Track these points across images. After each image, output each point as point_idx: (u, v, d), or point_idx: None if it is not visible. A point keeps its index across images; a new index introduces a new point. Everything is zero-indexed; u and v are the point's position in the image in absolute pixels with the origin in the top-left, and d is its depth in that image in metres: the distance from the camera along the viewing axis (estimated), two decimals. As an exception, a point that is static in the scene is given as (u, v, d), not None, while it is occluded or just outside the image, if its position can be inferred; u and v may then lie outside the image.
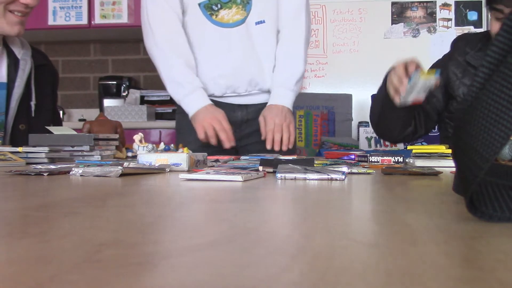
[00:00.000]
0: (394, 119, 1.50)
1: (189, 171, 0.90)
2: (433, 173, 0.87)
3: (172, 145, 1.35)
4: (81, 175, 0.80)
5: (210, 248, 0.30)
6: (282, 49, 1.65)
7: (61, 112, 3.65)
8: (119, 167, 0.81)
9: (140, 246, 0.30)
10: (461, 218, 0.40)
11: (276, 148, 1.56)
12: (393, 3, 3.39)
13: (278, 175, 0.76)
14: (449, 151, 1.13)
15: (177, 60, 1.60)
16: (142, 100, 3.39)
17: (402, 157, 1.15)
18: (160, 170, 0.89)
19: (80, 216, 0.42)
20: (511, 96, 0.32)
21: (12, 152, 1.12)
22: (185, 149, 1.16)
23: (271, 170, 0.88)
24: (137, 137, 1.31)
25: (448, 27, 3.23)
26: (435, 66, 1.59)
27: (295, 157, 1.25)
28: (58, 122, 1.67)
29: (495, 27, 1.45)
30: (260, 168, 0.88)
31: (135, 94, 3.39)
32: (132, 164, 0.92)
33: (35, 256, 0.27)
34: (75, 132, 1.30)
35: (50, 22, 3.36)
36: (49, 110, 1.59)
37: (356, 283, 0.22)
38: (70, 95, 3.80)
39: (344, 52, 3.32)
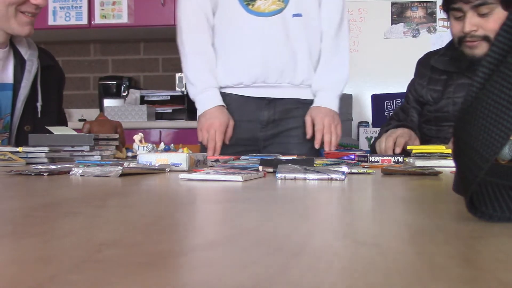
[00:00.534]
0: None
1: (189, 171, 0.90)
2: (433, 173, 0.87)
3: (172, 145, 1.36)
4: (81, 175, 0.80)
5: (210, 248, 0.30)
6: (327, 59, 1.65)
7: (61, 112, 3.65)
8: (119, 167, 0.81)
9: (140, 246, 0.30)
10: (461, 218, 0.40)
11: (326, 148, 1.59)
12: (393, 3, 3.39)
13: (278, 175, 0.76)
14: (449, 151, 1.13)
15: (195, 58, 1.63)
16: (142, 100, 3.39)
17: (402, 157, 1.15)
18: (160, 170, 0.89)
19: (80, 216, 0.42)
20: (511, 96, 0.32)
21: (12, 152, 1.12)
22: (185, 149, 1.16)
23: (271, 170, 0.88)
24: (137, 137, 1.31)
25: (448, 27, 3.23)
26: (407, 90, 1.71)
27: (295, 157, 1.25)
28: (64, 123, 1.67)
29: (457, 28, 1.48)
30: (260, 168, 0.88)
31: (135, 94, 3.39)
32: (132, 164, 0.92)
33: (35, 256, 0.27)
34: (75, 132, 1.30)
35: (50, 22, 3.36)
36: (55, 112, 1.59)
37: (356, 283, 0.22)
38: (70, 95, 3.80)
39: (344, 52, 3.32)
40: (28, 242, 0.30)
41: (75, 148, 1.22)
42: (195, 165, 0.96)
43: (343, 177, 0.74)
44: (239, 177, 0.71)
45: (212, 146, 1.60)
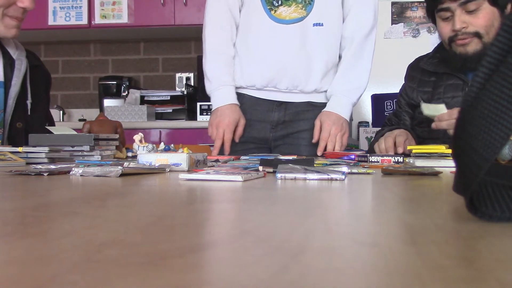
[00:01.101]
0: None
1: (189, 171, 0.90)
2: (433, 173, 0.87)
3: (172, 145, 1.35)
4: (81, 175, 0.80)
5: (210, 248, 0.30)
6: (350, 62, 1.65)
7: (61, 112, 3.65)
8: (119, 167, 0.81)
9: (140, 246, 0.30)
10: (461, 218, 0.40)
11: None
12: (393, 3, 3.39)
13: (278, 175, 0.76)
14: (449, 151, 1.13)
15: (214, 56, 1.65)
16: (142, 100, 3.39)
17: (402, 157, 1.15)
18: (160, 170, 0.89)
19: (80, 216, 0.42)
20: (511, 96, 0.32)
21: (12, 152, 1.12)
22: (185, 149, 1.16)
23: (271, 170, 0.88)
24: (137, 137, 1.31)
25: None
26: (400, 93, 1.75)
27: (295, 157, 1.25)
28: (51, 123, 1.69)
29: (446, 28, 1.49)
30: (260, 168, 0.88)
31: (135, 94, 3.39)
32: (132, 164, 0.92)
33: (35, 256, 0.27)
34: (75, 132, 1.30)
35: (50, 22, 3.36)
36: (44, 110, 1.62)
37: (356, 283, 0.22)
38: (70, 95, 3.80)
39: (344, 52, 3.32)
40: (28, 242, 0.30)
41: (75, 148, 1.22)
42: (195, 165, 0.96)
43: (343, 177, 0.74)
44: (239, 177, 0.71)
45: (218, 146, 1.61)
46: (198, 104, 3.27)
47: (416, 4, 3.34)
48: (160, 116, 3.39)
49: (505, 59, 0.33)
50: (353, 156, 1.21)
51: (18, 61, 1.50)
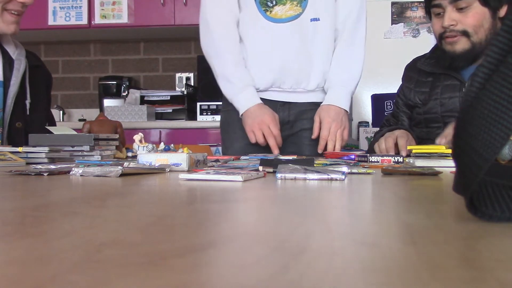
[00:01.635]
0: None
1: (189, 171, 0.90)
2: (433, 173, 0.87)
3: (172, 145, 1.35)
4: (81, 175, 0.80)
5: (210, 248, 0.30)
6: (343, 50, 1.64)
7: (61, 112, 3.65)
8: (119, 167, 0.81)
9: (140, 246, 0.30)
10: (461, 218, 0.40)
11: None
12: (393, 3, 3.39)
13: (278, 175, 0.76)
14: (449, 151, 1.13)
15: (230, 57, 1.63)
16: (142, 100, 3.39)
17: (402, 157, 1.15)
18: (160, 170, 0.89)
19: (80, 216, 0.42)
20: (511, 96, 0.32)
21: (12, 152, 1.12)
22: (185, 149, 1.16)
23: (271, 170, 0.88)
24: (137, 137, 1.31)
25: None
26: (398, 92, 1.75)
27: (295, 157, 1.25)
28: (52, 123, 1.69)
29: (437, 25, 1.52)
30: (260, 168, 0.88)
31: (135, 94, 3.39)
32: (132, 164, 0.92)
33: (35, 256, 0.27)
34: (75, 132, 1.30)
35: (50, 22, 3.36)
36: (44, 110, 1.62)
37: (356, 283, 0.22)
38: (70, 95, 3.80)
39: (344, 52, 3.32)
40: (28, 242, 0.30)
41: (75, 148, 1.22)
42: (195, 165, 0.96)
43: (343, 177, 0.74)
44: (239, 177, 0.71)
45: (274, 143, 1.57)
46: (198, 104, 3.27)
47: (416, 4, 3.34)
48: (160, 116, 3.39)
49: (505, 59, 0.33)
50: (353, 156, 1.21)
51: (17, 61, 1.50)
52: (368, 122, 3.25)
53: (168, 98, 3.39)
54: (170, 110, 3.37)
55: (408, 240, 0.32)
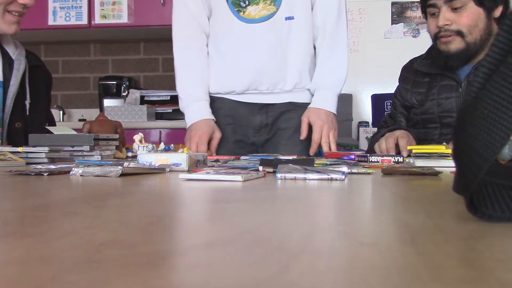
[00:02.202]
0: None
1: (189, 171, 0.90)
2: (433, 173, 0.87)
3: (172, 145, 1.35)
4: (81, 175, 0.80)
5: (210, 248, 0.30)
6: (326, 52, 1.62)
7: (61, 112, 3.65)
8: (119, 167, 0.81)
9: (140, 246, 0.30)
10: (461, 218, 0.40)
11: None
12: (393, 3, 3.39)
13: (278, 175, 0.76)
14: (449, 151, 1.13)
15: (183, 71, 1.64)
16: (142, 100, 3.39)
17: (402, 157, 1.15)
18: (160, 170, 0.89)
19: (80, 216, 0.42)
20: (511, 96, 0.32)
21: (12, 152, 1.12)
22: (185, 149, 1.16)
23: (271, 170, 0.88)
24: (137, 137, 1.31)
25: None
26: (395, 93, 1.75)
27: (295, 157, 1.25)
28: (52, 123, 1.69)
29: (433, 24, 1.53)
30: (260, 168, 0.88)
31: (135, 94, 3.39)
32: (132, 164, 0.92)
33: (35, 256, 0.27)
34: (75, 132, 1.30)
35: (50, 22, 3.36)
36: (44, 110, 1.62)
37: (356, 283, 0.22)
38: (70, 95, 3.80)
39: (344, 52, 3.32)
40: (28, 242, 0.30)
41: (75, 148, 1.22)
42: (195, 165, 0.96)
43: (343, 177, 0.74)
44: (239, 177, 0.71)
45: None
46: (198, 104, 3.27)
47: (416, 4, 3.34)
48: (160, 116, 3.38)
49: (505, 59, 0.33)
50: (353, 156, 1.21)
51: (17, 61, 1.51)
52: (368, 122, 3.25)
53: (168, 98, 3.39)
54: (170, 110, 3.37)
55: (408, 240, 0.32)
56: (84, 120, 3.32)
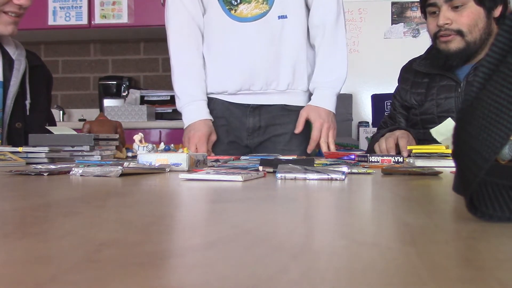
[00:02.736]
0: None
1: (189, 171, 0.90)
2: (433, 173, 0.87)
3: (172, 145, 1.35)
4: (81, 175, 0.80)
5: (210, 248, 0.30)
6: (326, 51, 1.61)
7: (61, 112, 3.65)
8: (119, 167, 0.81)
9: (140, 246, 0.30)
10: (461, 218, 0.40)
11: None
12: (393, 3, 3.39)
13: (278, 175, 0.76)
14: (449, 151, 1.13)
15: (179, 71, 1.63)
16: (142, 100, 3.39)
17: (402, 157, 1.15)
18: (160, 170, 0.89)
19: (80, 216, 0.42)
20: (511, 96, 0.32)
21: (12, 152, 1.12)
22: (185, 149, 1.16)
23: (271, 170, 0.88)
24: (137, 137, 1.31)
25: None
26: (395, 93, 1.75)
27: (295, 157, 1.25)
28: (53, 123, 1.69)
29: (432, 24, 1.53)
30: (260, 168, 0.88)
31: (135, 94, 3.39)
32: (132, 164, 0.92)
33: (35, 256, 0.27)
34: (75, 132, 1.30)
35: (50, 22, 3.36)
36: (44, 110, 1.62)
37: (356, 283, 0.22)
38: (70, 95, 3.80)
39: (344, 52, 3.32)
40: (28, 242, 0.30)
41: (75, 148, 1.22)
42: (195, 165, 0.96)
43: (343, 177, 0.74)
44: (239, 177, 0.71)
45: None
46: (198, 104, 3.27)
47: (416, 4, 3.34)
48: (160, 116, 3.38)
49: (505, 59, 0.33)
50: (353, 156, 1.21)
51: (17, 61, 1.50)
52: (368, 122, 3.25)
53: (168, 98, 3.39)
54: (170, 110, 3.36)
55: (408, 240, 0.32)
56: (84, 120, 3.32)
